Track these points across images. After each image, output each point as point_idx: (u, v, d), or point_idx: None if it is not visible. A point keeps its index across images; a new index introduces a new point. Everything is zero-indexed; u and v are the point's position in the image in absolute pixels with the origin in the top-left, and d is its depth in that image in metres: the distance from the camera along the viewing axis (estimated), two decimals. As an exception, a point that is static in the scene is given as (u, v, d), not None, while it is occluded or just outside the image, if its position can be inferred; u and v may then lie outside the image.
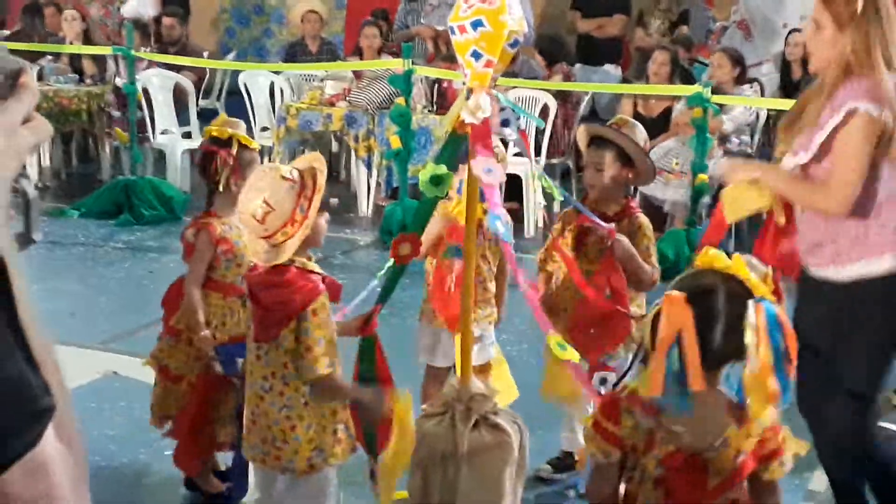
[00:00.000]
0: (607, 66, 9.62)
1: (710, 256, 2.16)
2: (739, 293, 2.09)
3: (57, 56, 9.27)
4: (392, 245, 3.08)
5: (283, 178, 2.89)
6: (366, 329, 3.06)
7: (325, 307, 2.93)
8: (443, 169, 3.01)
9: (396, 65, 7.45)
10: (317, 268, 3.02)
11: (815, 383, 3.19)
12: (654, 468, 2.20)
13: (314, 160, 3.02)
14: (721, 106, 6.90)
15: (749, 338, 2.02)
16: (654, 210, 7.17)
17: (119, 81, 8.48)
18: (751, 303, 2.05)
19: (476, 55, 3.01)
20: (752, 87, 7.73)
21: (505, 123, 3.08)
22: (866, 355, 3.17)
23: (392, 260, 2.98)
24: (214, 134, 3.49)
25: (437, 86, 8.16)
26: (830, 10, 3.08)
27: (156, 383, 3.73)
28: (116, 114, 8.63)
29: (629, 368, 2.59)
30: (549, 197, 3.55)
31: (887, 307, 3.13)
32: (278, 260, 2.88)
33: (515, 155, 6.96)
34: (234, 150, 3.44)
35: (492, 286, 3.88)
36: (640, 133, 3.83)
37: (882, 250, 3.09)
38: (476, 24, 2.98)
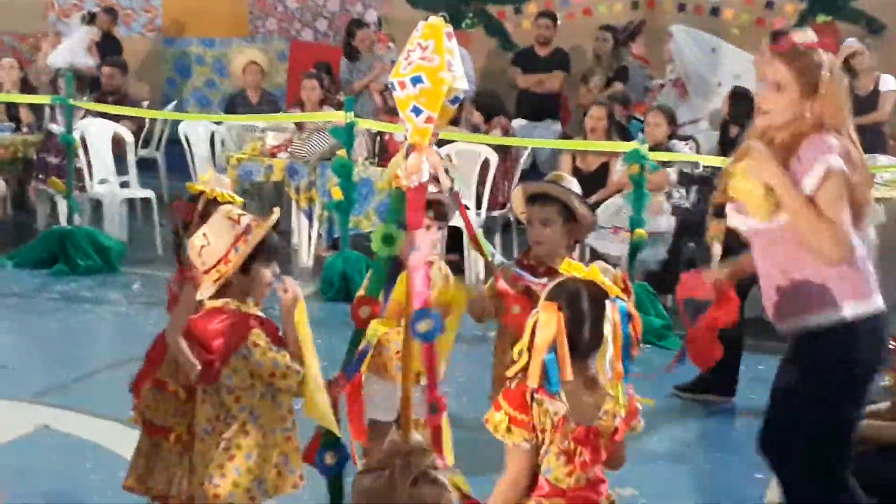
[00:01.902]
0: (547, 122, 9.75)
1: (572, 266, 2.55)
2: (599, 296, 2.50)
3: (-9, 106, 9.19)
4: (352, 308, 3.10)
5: (228, 217, 2.98)
6: (332, 392, 3.08)
7: (261, 336, 2.96)
8: (393, 228, 3.04)
9: (338, 117, 7.48)
10: (255, 311, 3.03)
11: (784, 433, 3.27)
12: (561, 443, 2.51)
13: (273, 215, 3.09)
14: (666, 162, 7.03)
15: (607, 330, 2.47)
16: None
17: (54, 128, 8.40)
18: (608, 302, 2.49)
19: (416, 111, 3.05)
20: (687, 145, 7.87)
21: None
22: (835, 400, 3.21)
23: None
24: (190, 189, 3.51)
25: (378, 138, 8.20)
26: (795, 75, 3.15)
27: (140, 443, 3.54)
28: (53, 160, 8.53)
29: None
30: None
31: (859, 350, 3.18)
32: (208, 293, 2.94)
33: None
34: (200, 205, 3.43)
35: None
36: (576, 188, 3.89)
37: (843, 299, 3.14)
38: (416, 81, 3.02)
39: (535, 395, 2.51)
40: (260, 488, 2.96)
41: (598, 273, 2.52)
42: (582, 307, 2.49)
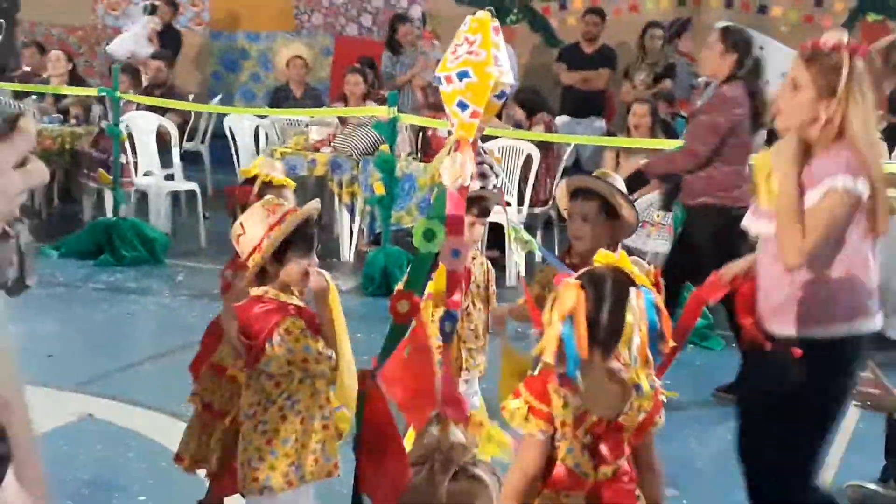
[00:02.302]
0: (591, 118, 9.71)
1: (602, 255, 2.52)
2: (624, 281, 2.43)
3: (41, 96, 9.28)
4: (390, 302, 3.09)
5: (265, 206, 3.03)
6: (363, 384, 3.08)
7: (296, 325, 3.00)
8: (435, 223, 3.02)
9: (382, 112, 7.49)
10: (294, 300, 3.05)
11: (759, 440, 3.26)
12: (584, 436, 2.47)
13: (312, 204, 3.12)
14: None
15: (631, 317, 2.38)
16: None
17: (104, 124, 8.50)
18: (633, 289, 2.41)
19: (462, 105, 3.04)
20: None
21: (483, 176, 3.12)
22: (815, 407, 3.19)
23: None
24: (244, 173, 3.56)
25: (421, 133, 8.20)
26: (813, 76, 3.09)
27: (192, 423, 3.63)
28: (100, 155, 8.62)
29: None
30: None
31: (842, 365, 3.17)
32: (243, 284, 2.98)
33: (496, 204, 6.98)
34: (256, 188, 3.47)
35: (483, 336, 3.86)
36: (621, 185, 3.85)
37: (853, 314, 3.12)
38: (462, 75, 3.01)
39: (556, 387, 2.46)
40: (297, 473, 3.01)
41: (627, 261, 2.48)
42: (604, 287, 2.42)
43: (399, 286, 3.51)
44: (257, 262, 3.01)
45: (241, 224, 3.04)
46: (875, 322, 3.18)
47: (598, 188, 3.69)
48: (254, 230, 3.00)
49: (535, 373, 2.60)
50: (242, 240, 3.02)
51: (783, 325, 3.16)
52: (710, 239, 5.33)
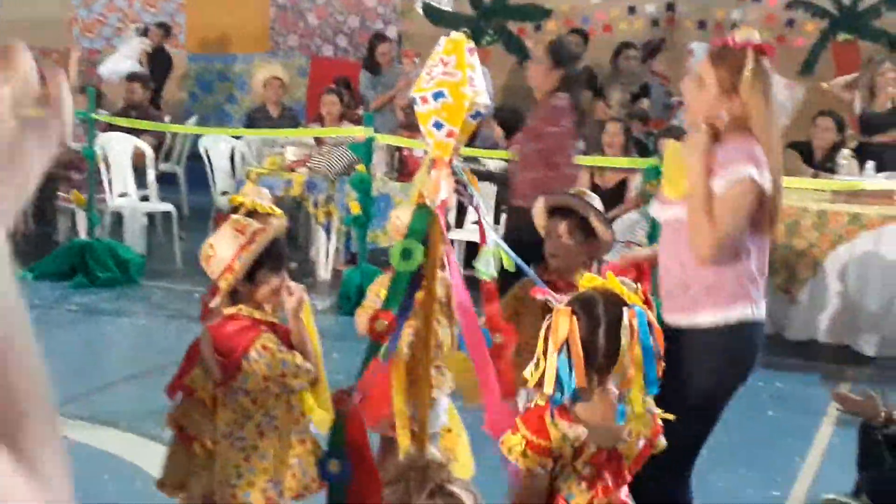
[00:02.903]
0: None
1: (588, 278, 2.53)
2: (616, 302, 2.42)
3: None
4: (368, 322, 3.09)
5: (234, 227, 3.03)
6: (341, 403, 3.08)
7: (271, 340, 3.01)
8: (413, 243, 3.04)
9: (358, 132, 7.51)
10: (268, 317, 3.06)
11: None
12: (583, 468, 2.45)
13: (273, 224, 3.11)
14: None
15: (624, 338, 2.36)
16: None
17: (76, 145, 8.45)
18: (625, 309, 2.39)
19: (438, 125, 3.06)
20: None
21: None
22: (696, 395, 3.19)
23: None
24: (232, 201, 3.55)
25: (398, 153, 8.23)
26: (717, 73, 3.15)
27: (172, 447, 3.61)
28: (76, 176, 8.57)
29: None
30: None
31: (729, 354, 3.19)
32: (216, 304, 2.99)
33: (474, 223, 7.00)
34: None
35: (451, 352, 3.86)
36: (598, 204, 3.88)
37: (734, 300, 3.15)
38: (438, 96, 3.03)
39: (555, 420, 2.44)
40: (275, 489, 3.00)
41: (616, 282, 2.48)
42: (597, 311, 2.41)
43: (365, 304, 3.55)
44: (230, 283, 3.01)
45: (210, 245, 3.04)
46: (760, 312, 3.20)
47: (575, 206, 3.72)
48: (224, 251, 3.01)
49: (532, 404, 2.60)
50: (213, 261, 3.02)
51: (674, 314, 3.20)
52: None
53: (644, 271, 3.38)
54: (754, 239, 3.17)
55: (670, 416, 2.64)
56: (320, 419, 3.11)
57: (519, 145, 6.09)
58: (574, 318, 2.39)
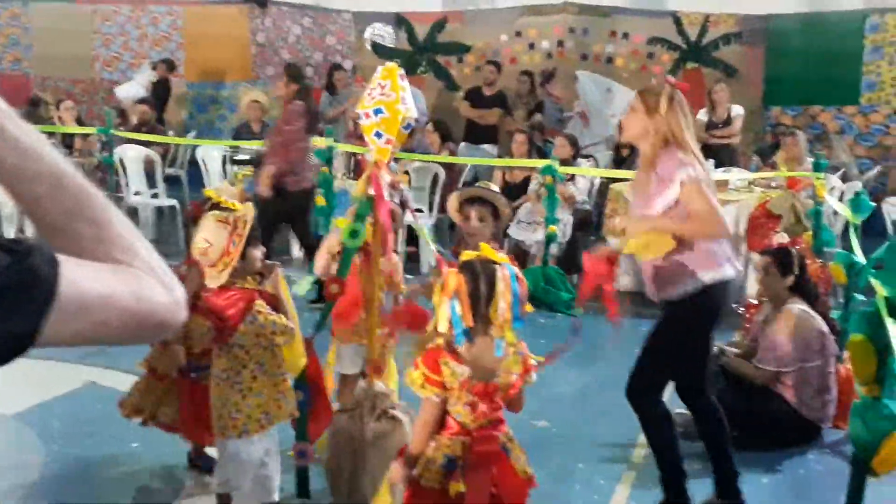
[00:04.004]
0: (486, 146, 9.78)
1: (467, 253, 2.50)
2: (490, 262, 2.45)
3: (51, 135, 9.05)
4: (325, 286, 3.10)
5: (217, 220, 2.96)
6: (308, 350, 3.09)
7: (262, 306, 3.00)
8: (358, 225, 3.05)
9: (321, 142, 7.44)
10: (254, 285, 3.05)
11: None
12: (466, 395, 2.45)
13: (245, 209, 3.07)
14: (572, 177, 7.09)
15: (499, 285, 2.38)
16: (522, 253, 7.31)
17: (99, 155, 8.32)
18: (497, 267, 2.42)
19: (378, 135, 3.07)
20: (588, 162, 7.93)
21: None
22: (679, 336, 3.31)
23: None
24: (206, 193, 3.48)
25: (353, 158, 8.17)
26: (643, 100, 3.24)
27: (139, 382, 3.58)
28: (100, 180, 8.42)
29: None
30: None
31: (705, 306, 3.27)
32: (220, 282, 2.93)
33: (417, 210, 7.01)
34: (207, 206, 3.39)
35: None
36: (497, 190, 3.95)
37: (701, 268, 3.21)
38: (377, 112, 3.04)
39: (445, 360, 2.45)
40: (266, 418, 3.00)
41: (489, 250, 2.49)
42: (477, 269, 2.43)
43: (321, 271, 3.56)
44: (229, 264, 2.95)
45: (205, 239, 2.95)
46: (725, 272, 3.25)
47: (490, 197, 3.72)
48: (218, 240, 2.95)
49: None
50: (211, 250, 2.94)
51: (665, 291, 3.26)
52: (294, 210, 6.35)
53: (614, 259, 3.39)
54: None
55: (541, 359, 2.68)
56: (293, 364, 3.11)
57: (268, 140, 6.37)
58: (460, 275, 2.41)
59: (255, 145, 8.16)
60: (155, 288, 0.92)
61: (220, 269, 2.96)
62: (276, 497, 3.06)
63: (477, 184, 4.09)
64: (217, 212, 3.05)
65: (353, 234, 3.01)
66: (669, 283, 3.24)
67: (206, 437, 3.50)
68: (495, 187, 3.96)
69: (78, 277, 0.83)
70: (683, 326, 3.28)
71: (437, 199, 8.00)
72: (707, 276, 3.21)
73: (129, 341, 0.91)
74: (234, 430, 2.97)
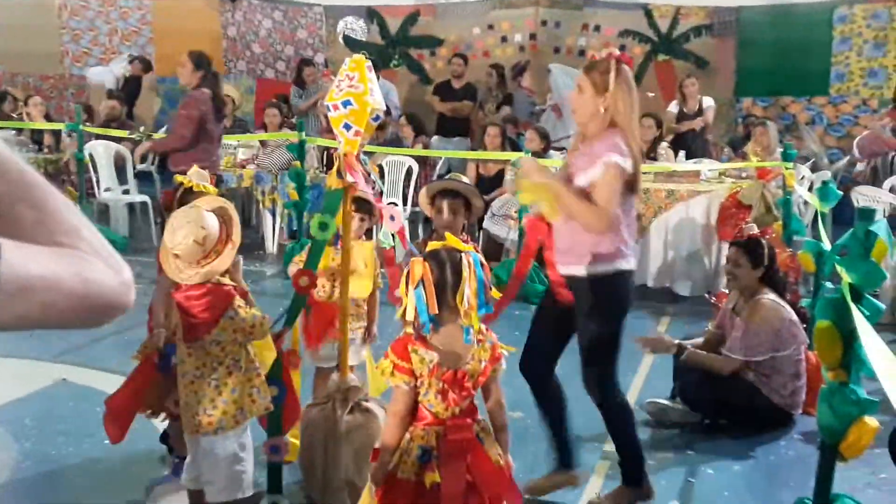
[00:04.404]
0: (458, 139, 9.79)
1: (433, 243, 2.48)
2: (454, 250, 2.43)
3: (20, 131, 8.93)
4: (293, 279, 3.07)
5: (200, 206, 2.90)
6: (278, 344, 3.05)
7: (240, 301, 2.94)
8: (328, 217, 3.03)
9: (293, 136, 7.41)
10: (228, 282, 2.99)
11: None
12: (436, 383, 2.44)
13: (223, 203, 3.00)
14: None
15: (464, 272, 2.38)
16: (496, 245, 7.34)
17: (70, 152, 8.21)
18: (462, 255, 2.42)
19: (347, 126, 3.05)
20: (561, 154, 7.95)
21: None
22: (598, 328, 3.26)
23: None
24: (177, 179, 3.40)
25: (326, 152, 8.15)
26: (590, 79, 3.17)
27: (136, 378, 3.47)
28: (70, 176, 8.32)
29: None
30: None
31: (613, 296, 3.25)
32: (216, 273, 2.86)
33: (390, 203, 6.99)
34: (179, 192, 3.33)
35: (364, 305, 3.84)
36: (469, 182, 3.94)
37: (612, 257, 3.20)
38: (346, 103, 3.02)
39: (414, 347, 2.43)
40: (241, 413, 2.95)
41: (454, 239, 2.48)
42: (442, 257, 2.43)
43: (294, 266, 3.53)
44: (222, 258, 2.87)
45: (202, 227, 2.82)
46: (630, 263, 3.24)
47: (462, 189, 3.72)
48: (214, 230, 2.86)
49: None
50: (208, 240, 2.83)
51: (569, 267, 3.24)
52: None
53: (551, 225, 3.35)
54: (623, 206, 3.19)
55: (512, 349, 2.66)
56: (262, 357, 3.08)
57: (176, 127, 6.35)
58: (425, 264, 2.40)
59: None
60: (101, 269, 0.92)
61: (213, 259, 2.86)
62: (251, 492, 3.04)
63: (448, 175, 4.09)
64: (198, 203, 2.95)
65: (323, 226, 2.99)
66: (575, 258, 3.21)
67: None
68: (467, 179, 3.96)
69: (18, 260, 0.83)
70: (604, 311, 3.26)
71: (410, 192, 8.00)
72: (614, 266, 3.20)
73: (78, 324, 0.91)
74: (210, 427, 2.94)
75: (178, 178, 3.38)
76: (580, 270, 3.21)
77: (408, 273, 2.42)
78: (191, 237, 2.80)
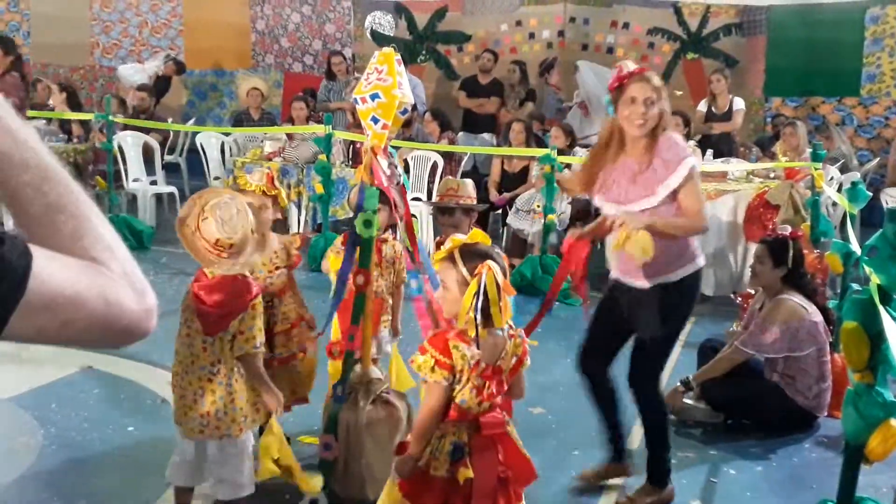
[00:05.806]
0: (485, 134, 9.77)
1: (455, 240, 2.46)
2: (497, 252, 2.46)
3: (49, 121, 9.01)
4: (352, 278, 3.07)
5: (249, 204, 2.88)
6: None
7: (260, 302, 2.93)
8: (370, 215, 3.03)
9: (320, 129, 7.44)
10: (250, 277, 3.00)
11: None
12: (475, 379, 2.42)
13: (252, 198, 3.02)
14: (568, 166, 7.08)
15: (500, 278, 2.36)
16: (520, 241, 7.31)
17: (99, 143, 8.30)
18: (496, 254, 2.44)
19: (375, 120, 3.05)
20: (587, 152, 7.90)
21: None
22: (674, 325, 3.33)
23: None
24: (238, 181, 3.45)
25: (351, 146, 8.17)
26: (657, 92, 3.19)
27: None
28: (100, 166, 8.40)
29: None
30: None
31: (695, 293, 3.33)
32: (255, 265, 2.86)
33: (413, 199, 7.01)
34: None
35: (389, 299, 3.86)
36: (471, 186, 3.99)
37: (694, 255, 3.27)
38: (374, 97, 3.02)
39: (455, 343, 2.40)
40: (246, 422, 2.94)
41: (482, 234, 2.49)
42: (498, 261, 2.41)
43: (327, 260, 3.58)
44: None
45: (250, 216, 2.81)
46: (700, 261, 3.31)
47: (458, 204, 3.88)
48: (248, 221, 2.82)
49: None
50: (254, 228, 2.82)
51: (642, 278, 3.26)
52: None
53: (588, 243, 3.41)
54: None
55: (534, 342, 2.67)
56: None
57: None
58: (491, 270, 2.35)
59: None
60: (126, 293, 0.91)
61: (250, 254, 2.81)
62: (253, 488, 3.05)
63: (444, 179, 4.16)
64: (236, 194, 2.89)
65: (368, 223, 3.00)
66: (662, 267, 3.23)
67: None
68: (467, 183, 4.02)
69: (49, 273, 0.83)
70: (685, 309, 3.30)
71: (435, 188, 7.99)
72: (694, 265, 3.28)
73: (92, 343, 0.91)
74: (217, 432, 2.90)
75: (241, 178, 3.39)
76: (674, 277, 3.25)
77: (475, 273, 2.36)
78: (248, 225, 2.79)
